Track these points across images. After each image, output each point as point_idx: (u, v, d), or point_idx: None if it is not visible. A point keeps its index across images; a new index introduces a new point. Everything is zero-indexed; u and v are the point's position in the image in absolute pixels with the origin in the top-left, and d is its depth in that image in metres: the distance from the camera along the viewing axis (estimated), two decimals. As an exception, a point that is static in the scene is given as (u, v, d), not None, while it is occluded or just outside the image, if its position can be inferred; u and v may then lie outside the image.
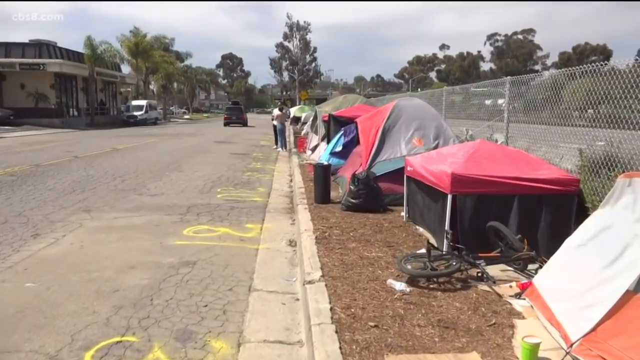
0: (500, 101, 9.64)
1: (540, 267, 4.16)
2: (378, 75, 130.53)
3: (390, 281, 4.19)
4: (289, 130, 25.35)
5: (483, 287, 4.13)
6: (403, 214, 6.67)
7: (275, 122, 19.17)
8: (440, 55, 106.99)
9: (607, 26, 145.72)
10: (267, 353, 3.38)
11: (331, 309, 3.67)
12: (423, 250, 4.76)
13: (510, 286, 4.10)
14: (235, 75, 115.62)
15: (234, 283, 4.65)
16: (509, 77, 7.58)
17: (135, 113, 41.68)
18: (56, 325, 3.71)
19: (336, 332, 3.31)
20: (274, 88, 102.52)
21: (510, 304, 3.79)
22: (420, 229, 6.00)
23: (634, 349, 2.57)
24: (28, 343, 3.44)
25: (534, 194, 4.73)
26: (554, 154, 6.71)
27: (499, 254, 4.51)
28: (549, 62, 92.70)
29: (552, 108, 6.84)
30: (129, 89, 54.42)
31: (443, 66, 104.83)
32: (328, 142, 12.28)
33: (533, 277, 4.17)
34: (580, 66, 6.16)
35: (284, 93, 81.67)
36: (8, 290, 4.39)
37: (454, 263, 4.25)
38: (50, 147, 18.61)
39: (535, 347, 2.89)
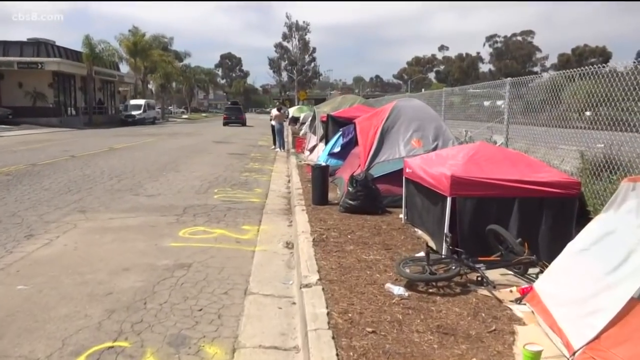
0: (499, 102, 9.59)
1: (541, 271, 4.09)
2: (377, 76, 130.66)
3: (388, 285, 4.11)
4: (288, 130, 25.29)
5: (483, 291, 4.06)
6: (401, 216, 6.60)
7: (273, 122, 19.10)
8: (439, 56, 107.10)
9: (606, 28, 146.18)
10: (262, 359, 3.31)
11: (328, 313, 3.60)
12: (422, 254, 4.69)
13: (511, 291, 4.03)
14: (234, 75, 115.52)
15: (229, 286, 4.57)
16: (509, 78, 7.52)
17: (134, 112, 41.58)
18: (47, 330, 3.63)
19: (333, 338, 3.23)
20: (272, 88, 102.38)
21: (510, 309, 3.72)
22: (419, 232, 5.93)
23: (638, 358, 2.50)
24: (17, 348, 3.36)
25: (534, 197, 4.66)
26: (553, 156, 6.66)
27: (499, 258, 4.44)
28: (548, 63, 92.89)
29: (551, 110, 6.79)
30: (127, 89, 54.28)
31: (442, 67, 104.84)
32: (326, 143, 12.21)
33: (534, 281, 4.11)
34: (579, 68, 6.12)
35: (283, 94, 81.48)
36: (-1, 293, 4.31)
37: (454, 267, 4.18)
38: (47, 146, 18.51)
39: (537, 355, 2.82)
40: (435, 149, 7.38)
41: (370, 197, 6.95)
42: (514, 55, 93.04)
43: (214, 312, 4.00)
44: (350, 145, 9.90)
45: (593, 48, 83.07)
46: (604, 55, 77.31)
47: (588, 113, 6.33)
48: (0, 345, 3.38)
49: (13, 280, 4.61)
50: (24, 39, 36.82)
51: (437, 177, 5.01)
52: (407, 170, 6.17)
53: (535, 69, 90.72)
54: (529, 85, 7.42)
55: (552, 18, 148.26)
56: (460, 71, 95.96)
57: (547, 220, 4.67)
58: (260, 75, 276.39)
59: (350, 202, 6.98)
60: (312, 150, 14.91)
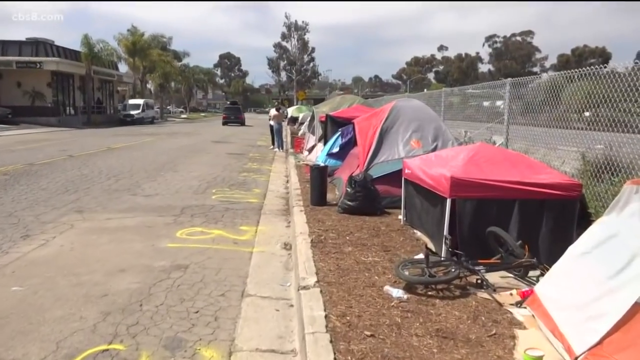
0: (498, 103, 9.55)
1: (542, 274, 4.05)
2: (376, 76, 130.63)
3: (387, 288, 4.07)
4: (286, 130, 25.24)
5: (483, 294, 4.01)
6: (400, 217, 6.55)
7: (272, 122, 19.05)
8: (439, 56, 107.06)
9: (606, 29, 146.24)
10: (259, 363, 3.27)
11: (326, 316, 3.55)
12: (421, 256, 4.65)
13: (511, 294, 3.99)
14: (232, 74, 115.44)
15: (226, 288, 4.52)
16: (509, 78, 7.48)
17: (132, 112, 41.45)
18: (41, 332, 3.58)
19: (331, 341, 3.18)
20: (272, 88, 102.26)
21: (510, 312, 3.68)
22: (418, 233, 5.89)
23: (642, 364, 2.46)
24: (11, 351, 3.31)
25: (535, 199, 4.61)
26: (552, 157, 6.62)
27: (499, 261, 4.39)
28: (547, 64, 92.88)
29: (550, 111, 6.76)
30: (126, 88, 54.17)
31: (441, 67, 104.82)
32: (325, 143, 12.16)
33: (534, 284, 4.07)
34: (579, 69, 6.09)
35: (282, 94, 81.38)
36: (-7, 295, 4.26)
37: (453, 270, 4.14)
38: (45, 146, 18.44)
39: (538, 360, 2.78)
40: (434, 149, 7.34)
41: (369, 198, 6.91)
42: (514, 56, 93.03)
43: (211, 314, 3.95)
44: (349, 145, 9.85)
45: (593, 49, 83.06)
46: (603, 56, 77.30)
47: (587, 114, 6.29)
48: (-7, 348, 3.33)
49: (8, 282, 4.56)
50: (23, 39, 36.72)
51: (437, 178, 4.97)
52: (407, 171, 6.13)
53: (535, 69, 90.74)
54: (528, 86, 7.38)
55: (551, 18, 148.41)
56: (460, 71, 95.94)
57: (547, 222, 4.63)
58: (259, 75, 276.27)
59: (349, 202, 6.94)
60: (310, 150, 14.87)
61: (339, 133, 10.67)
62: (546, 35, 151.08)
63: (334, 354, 3.02)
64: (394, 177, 6.94)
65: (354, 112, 12.59)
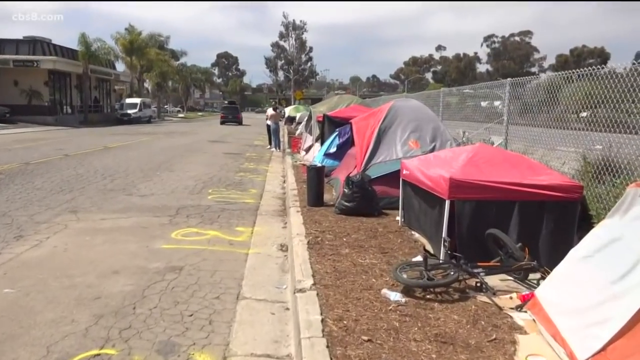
0: (496, 103, 9.49)
1: (543, 277, 3.99)
2: (374, 76, 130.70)
3: (384, 291, 4.00)
4: (283, 130, 25.15)
5: (482, 298, 3.95)
6: (398, 218, 6.49)
7: (269, 122, 18.97)
8: (437, 56, 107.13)
9: (604, 29, 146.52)
10: (254, 368, 3.20)
11: (322, 320, 3.48)
12: (419, 258, 4.58)
13: (511, 297, 3.92)
14: (230, 74, 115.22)
15: (221, 290, 4.45)
16: (509, 79, 7.42)
17: (129, 111, 41.26)
18: (32, 336, 3.50)
19: (327, 346, 3.12)
20: (269, 87, 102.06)
21: (511, 317, 3.61)
22: (416, 235, 5.82)
23: (646, 372, 2.40)
24: (0, 355, 3.23)
25: (535, 201, 4.55)
26: (550, 157, 6.57)
27: (498, 264, 4.32)
28: (545, 64, 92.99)
29: (548, 111, 6.71)
30: (124, 87, 53.99)
31: (439, 67, 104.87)
32: (322, 143, 12.09)
33: (534, 287, 4.01)
34: (578, 69, 6.05)
35: (279, 93, 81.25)
36: (-17, 297, 4.18)
37: (452, 272, 4.07)
38: (41, 145, 18.32)
39: (540, 366, 2.72)
40: (433, 150, 7.28)
41: (366, 199, 6.84)
42: (512, 56, 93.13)
43: (205, 317, 3.88)
44: (346, 145, 9.79)
45: (591, 49, 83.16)
46: (602, 56, 77.40)
47: (585, 114, 6.25)
48: (-19, 353, 3.25)
49: (0, 283, 4.48)
50: (20, 37, 36.56)
51: (436, 180, 4.90)
52: (405, 172, 6.06)
53: (533, 69, 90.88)
54: (526, 86, 7.33)
55: (550, 18, 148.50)
56: (458, 71, 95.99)
57: (548, 224, 4.57)
58: (256, 75, 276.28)
59: (346, 203, 6.87)
60: (307, 150, 14.79)
61: (337, 133, 10.60)
62: (545, 35, 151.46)
63: (331, 359, 2.96)
64: (392, 178, 6.87)
65: (352, 112, 12.52)
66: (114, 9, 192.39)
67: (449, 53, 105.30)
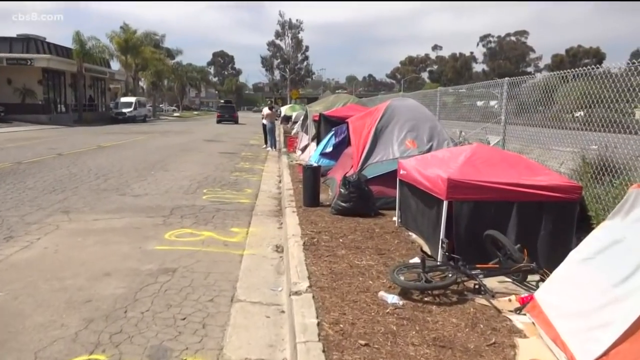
0: (492, 103, 9.45)
1: (542, 279, 3.93)
2: (370, 75, 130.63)
3: (381, 294, 3.92)
4: (279, 129, 25.06)
5: (480, 300, 3.88)
6: (395, 218, 6.42)
7: (264, 121, 18.88)
8: (433, 55, 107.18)
9: (600, 29, 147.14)
10: (248, 374, 3.12)
11: (318, 324, 3.40)
12: (416, 260, 4.52)
13: (510, 300, 3.86)
14: (226, 73, 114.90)
15: (215, 293, 4.36)
16: (506, 78, 7.36)
17: (124, 110, 41.01)
18: (19, 341, 3.41)
19: (323, 351, 3.04)
20: (265, 86, 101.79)
21: (510, 320, 3.55)
22: (413, 236, 5.75)
23: (650, 378, 2.34)
24: (-15, 362, 3.14)
25: (534, 201, 4.49)
26: (546, 157, 6.53)
27: (497, 265, 4.26)
28: (541, 64, 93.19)
29: (544, 110, 6.68)
30: (119, 86, 53.64)
31: (435, 67, 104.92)
32: (318, 143, 12.01)
33: (533, 290, 3.96)
34: (573, 69, 6.04)
35: (275, 92, 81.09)
36: (-29, 300, 4.08)
37: (450, 275, 4.00)
38: (35, 144, 18.16)
39: (541, 372, 2.65)
40: (430, 149, 7.22)
41: (363, 199, 6.76)
42: (508, 56, 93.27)
43: (199, 321, 3.80)
44: (342, 145, 9.71)
45: (587, 49, 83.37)
46: (597, 56, 77.63)
47: (581, 113, 6.23)
48: (-33, 359, 3.16)
49: (-13, 286, 4.38)
50: (14, 35, 36.23)
51: (433, 180, 4.83)
52: (402, 172, 5.99)
53: (529, 69, 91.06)
54: (521, 86, 7.29)
55: (546, 19, 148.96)
56: (454, 71, 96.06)
57: (546, 225, 4.51)
58: (252, 74, 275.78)
59: (343, 204, 6.79)
60: (303, 149, 14.71)
61: (333, 132, 10.53)
62: (540, 36, 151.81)
63: (327, 365, 2.88)
64: (389, 178, 6.80)
65: (348, 111, 12.45)
66: (114, 8, 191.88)
67: (445, 53, 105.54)
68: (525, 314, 3.57)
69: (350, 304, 3.78)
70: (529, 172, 4.72)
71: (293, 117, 28.95)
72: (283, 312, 4.01)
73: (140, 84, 58.79)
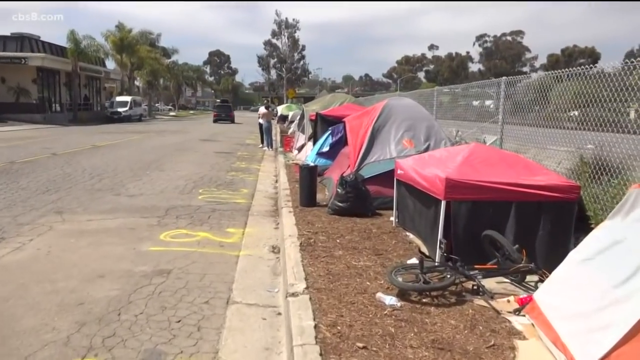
0: (487, 102, 9.42)
1: (541, 280, 3.89)
2: (366, 75, 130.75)
3: (379, 295, 3.87)
4: (276, 129, 24.98)
5: (479, 301, 3.84)
6: (392, 218, 6.37)
7: (261, 121, 18.80)
8: (429, 55, 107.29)
9: (595, 29, 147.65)
10: (243, 378, 3.06)
11: (315, 326, 3.35)
12: (414, 260, 4.48)
13: (508, 301, 3.82)
14: (222, 72, 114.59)
15: (211, 295, 4.30)
16: (504, 77, 7.33)
17: (119, 109, 40.77)
18: (9, 346, 3.33)
19: (320, 354, 2.99)
20: (261, 85, 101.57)
21: (509, 321, 3.51)
22: (411, 236, 5.70)
23: (653, 381, 2.30)
24: (-26, 367, 3.07)
25: (532, 201, 4.45)
26: (542, 156, 6.50)
27: (495, 266, 4.22)
28: (537, 64, 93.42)
29: (539, 110, 6.67)
30: (114, 85, 53.37)
31: (432, 66, 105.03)
32: (315, 142, 11.96)
33: (532, 290, 3.92)
34: (569, 68, 6.02)
35: (272, 92, 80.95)
36: (-40, 303, 4.00)
37: (449, 276, 3.96)
38: (29, 144, 18.01)
39: (542, 375, 2.60)
40: (427, 149, 7.17)
41: (360, 199, 6.71)
42: (504, 55, 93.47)
43: (194, 323, 3.73)
44: (339, 144, 9.66)
45: (582, 49, 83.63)
46: (592, 56, 77.83)
47: (575, 113, 6.22)
48: (-45, 364, 3.09)
49: (-22, 289, 4.30)
50: (7, 33, 35.96)
51: (431, 180, 4.79)
52: (399, 171, 5.94)
53: (525, 69, 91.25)
54: (517, 85, 7.27)
55: (542, 19, 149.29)
56: (450, 71, 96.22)
57: (545, 225, 4.47)
58: (249, 73, 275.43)
59: (340, 204, 6.74)
60: (300, 149, 14.65)
61: (329, 132, 10.47)
62: (536, 36, 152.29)
63: (324, 368, 2.83)
64: (386, 178, 6.76)
65: (345, 110, 12.38)
66: (114, 8, 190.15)
67: (442, 52, 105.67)
68: (524, 315, 3.53)
69: (348, 305, 3.73)
70: (527, 172, 4.69)
71: (289, 117, 28.85)
72: (280, 314, 3.95)
73: (136, 83, 58.47)
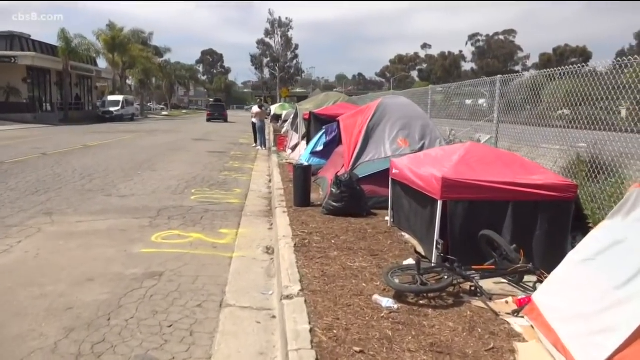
0: (481, 101, 9.39)
1: (539, 281, 3.83)
2: (360, 74, 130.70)
3: (376, 297, 3.80)
4: (269, 128, 24.86)
5: (477, 303, 3.77)
6: (387, 218, 6.30)
7: (254, 120, 18.67)
8: (422, 54, 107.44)
9: (587, 29, 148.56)
10: (237, 384, 2.97)
11: (311, 330, 3.27)
12: (410, 261, 4.41)
13: (507, 302, 3.76)
14: (215, 71, 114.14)
15: (203, 298, 4.21)
16: (499, 75, 7.28)
17: (111, 109, 40.41)
18: (-6, 353, 3.23)
19: (317, 359, 2.91)
20: (254, 84, 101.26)
21: (508, 323, 3.44)
22: (406, 236, 5.64)
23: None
24: (-42, 376, 2.96)
25: (529, 201, 4.40)
26: (535, 155, 6.48)
27: (493, 267, 4.16)
28: (529, 63, 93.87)
29: (532, 108, 6.65)
30: (106, 84, 52.92)
31: (425, 65, 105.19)
32: (309, 141, 11.87)
33: (530, 291, 3.87)
34: (560, 67, 6.01)
35: (265, 91, 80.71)
36: (-56, 309, 3.88)
37: (446, 277, 3.89)
38: (19, 144, 17.78)
39: (543, 379, 2.54)
40: (422, 148, 7.11)
41: (355, 199, 6.64)
42: (496, 54, 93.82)
43: (186, 328, 3.64)
44: (333, 143, 9.58)
45: (574, 48, 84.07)
46: (584, 55, 78.30)
47: (566, 111, 6.20)
48: (-62, 373, 2.98)
49: (-37, 294, 4.17)
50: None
51: (427, 179, 4.72)
52: (394, 171, 5.87)
53: (517, 68, 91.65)
54: (510, 84, 7.24)
55: (534, 18, 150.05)
56: (443, 70, 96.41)
57: (542, 224, 4.42)
58: (242, 72, 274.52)
59: (334, 203, 6.66)
60: (294, 148, 14.56)
61: (323, 131, 10.39)
62: (529, 34, 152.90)
63: (320, 374, 2.75)
64: (381, 177, 6.69)
65: (338, 109, 12.29)
66: (114, 8, 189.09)
67: (435, 51, 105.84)
68: (523, 317, 3.47)
69: (344, 308, 3.66)
70: (524, 171, 4.63)
71: (283, 116, 28.74)
72: (274, 317, 3.87)
73: (128, 82, 58.02)
